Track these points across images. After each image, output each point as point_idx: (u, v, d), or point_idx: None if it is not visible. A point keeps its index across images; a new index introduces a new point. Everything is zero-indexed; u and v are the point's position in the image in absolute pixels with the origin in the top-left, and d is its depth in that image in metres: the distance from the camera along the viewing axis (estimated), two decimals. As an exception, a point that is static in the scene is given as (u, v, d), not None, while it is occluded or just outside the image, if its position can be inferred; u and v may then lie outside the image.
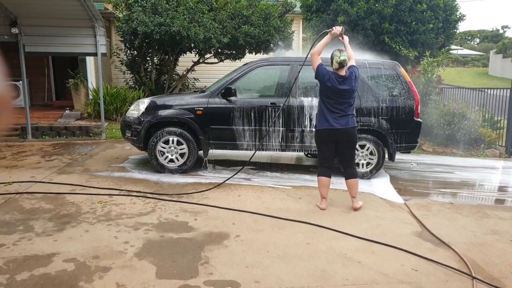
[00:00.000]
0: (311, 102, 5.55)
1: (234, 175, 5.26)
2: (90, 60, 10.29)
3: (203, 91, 5.89)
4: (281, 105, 5.51)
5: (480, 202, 5.01)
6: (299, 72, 5.37)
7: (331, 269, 3.05)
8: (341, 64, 4.07)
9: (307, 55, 4.61)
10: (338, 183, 5.43)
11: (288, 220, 3.95)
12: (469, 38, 45.84)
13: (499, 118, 8.50)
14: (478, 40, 46.23)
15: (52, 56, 11.62)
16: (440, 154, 7.91)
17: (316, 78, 4.20)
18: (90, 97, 10.05)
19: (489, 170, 6.88)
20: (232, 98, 5.53)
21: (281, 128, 5.54)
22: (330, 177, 4.31)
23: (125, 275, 2.83)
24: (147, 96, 10.10)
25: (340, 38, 4.33)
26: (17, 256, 3.04)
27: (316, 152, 5.68)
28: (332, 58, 4.13)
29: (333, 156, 4.30)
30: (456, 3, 11.26)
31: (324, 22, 11.32)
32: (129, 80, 11.19)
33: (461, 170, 6.67)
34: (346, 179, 4.32)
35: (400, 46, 10.75)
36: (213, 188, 4.90)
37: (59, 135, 8.57)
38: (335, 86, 4.05)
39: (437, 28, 10.79)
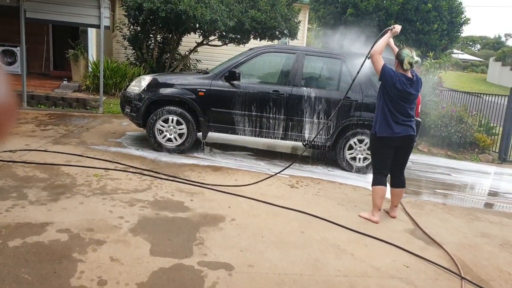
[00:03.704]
0: (314, 93, 5.51)
1: (288, 166, 4.92)
2: (92, 32, 10.10)
3: (207, 73, 5.82)
4: (284, 93, 5.48)
5: (472, 205, 5.07)
6: (361, 65, 4.60)
7: (324, 259, 3.07)
8: (412, 66, 3.70)
9: (367, 55, 4.17)
10: (331, 174, 5.47)
11: (284, 207, 3.95)
12: (471, 43, 45.90)
13: (494, 124, 8.57)
14: (479, 46, 46.33)
15: (53, 25, 11.37)
16: (435, 155, 7.97)
17: (381, 79, 3.78)
18: (90, 69, 9.89)
19: (484, 175, 6.96)
20: (236, 82, 5.48)
21: (282, 117, 5.51)
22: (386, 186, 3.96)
23: (119, 249, 2.81)
24: (147, 74, 9.99)
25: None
26: (10, 222, 3.01)
27: (314, 143, 5.71)
28: (401, 57, 3.71)
29: (391, 163, 3.93)
30: (462, 6, 11.25)
31: (332, 14, 11.25)
32: (130, 56, 11.03)
33: (457, 173, 6.72)
34: (395, 186, 4.01)
35: (404, 45, 10.73)
36: (266, 179, 4.68)
37: (55, 106, 8.44)
38: (405, 89, 3.69)
39: (442, 29, 10.79)
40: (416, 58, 3.69)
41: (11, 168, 4.23)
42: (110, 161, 4.84)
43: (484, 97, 9.24)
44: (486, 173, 7.08)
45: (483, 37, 46.22)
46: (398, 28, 3.92)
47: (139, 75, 9.86)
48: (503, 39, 44.13)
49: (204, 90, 5.48)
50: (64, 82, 9.92)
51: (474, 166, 7.53)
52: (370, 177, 5.48)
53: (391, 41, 4.02)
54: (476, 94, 9.81)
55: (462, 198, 5.39)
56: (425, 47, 10.50)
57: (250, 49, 5.90)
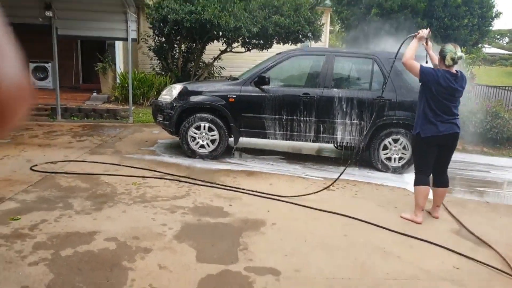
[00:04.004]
0: (345, 94, 5.45)
1: (340, 175, 4.53)
2: (118, 45, 10.36)
3: (236, 79, 5.85)
4: (315, 95, 5.44)
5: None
6: (391, 67, 4.69)
7: (371, 262, 3.01)
8: (455, 62, 3.57)
9: (392, 64, 4.28)
10: (366, 175, 5.37)
11: (324, 211, 3.90)
12: (498, 37, 44.45)
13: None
14: (507, 39, 44.87)
15: (81, 40, 11.72)
16: (470, 152, 7.69)
17: (422, 80, 3.68)
18: (118, 81, 10.13)
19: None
20: (265, 87, 5.48)
21: (314, 119, 5.46)
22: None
23: (166, 256, 2.83)
24: (173, 83, 10.14)
25: (424, 43, 3.87)
26: (60, 232, 3.08)
27: (348, 144, 5.62)
28: (444, 52, 3.61)
29: (433, 162, 3.84)
30: (493, 0, 10.93)
31: (355, 15, 11.13)
32: (156, 66, 11.24)
33: (496, 169, 6.48)
34: (438, 186, 3.92)
35: (432, 42, 10.50)
36: (325, 189, 4.38)
37: (87, 117, 8.67)
38: (450, 85, 3.57)
39: (472, 24, 10.49)
40: (460, 54, 3.59)
41: (55, 179, 4.35)
42: (147, 169, 4.91)
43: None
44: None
45: (512, 30, 44.70)
46: (423, 32, 3.82)
47: (166, 84, 10.04)
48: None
49: (234, 96, 5.50)
50: (94, 94, 10.20)
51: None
52: (407, 177, 5.39)
53: (430, 44, 3.91)
54: (508, 88, 9.52)
55: (505, 196, 5.18)
56: (455, 42, 10.23)
57: (278, 54, 5.89)
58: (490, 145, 7.85)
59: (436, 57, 3.81)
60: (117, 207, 3.68)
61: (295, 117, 5.46)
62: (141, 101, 9.87)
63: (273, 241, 3.19)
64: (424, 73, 3.64)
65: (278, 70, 5.69)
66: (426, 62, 3.92)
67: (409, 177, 5.39)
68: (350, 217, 3.80)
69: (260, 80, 5.42)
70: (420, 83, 3.77)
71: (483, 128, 7.83)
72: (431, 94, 3.64)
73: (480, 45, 11.25)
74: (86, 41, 11.37)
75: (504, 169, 6.56)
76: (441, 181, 3.94)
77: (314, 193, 4.28)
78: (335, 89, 5.52)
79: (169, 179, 4.58)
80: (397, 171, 5.53)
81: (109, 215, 3.48)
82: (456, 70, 3.68)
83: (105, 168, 4.86)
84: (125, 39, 8.26)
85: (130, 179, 4.50)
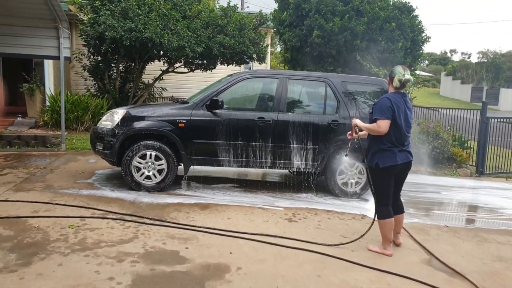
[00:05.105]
0: (300, 118, 5.28)
1: (372, 223, 3.84)
2: (48, 64, 9.44)
3: (185, 102, 5.44)
4: (270, 120, 5.20)
5: (474, 225, 4.93)
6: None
7: (351, 307, 2.73)
8: (403, 84, 3.54)
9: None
10: (325, 202, 5.19)
11: (293, 248, 3.58)
12: (420, 59, 48.68)
13: (467, 138, 8.73)
14: (427, 62, 49.10)
15: (2, 58, 10.55)
16: (415, 172, 7.89)
17: (392, 119, 3.49)
18: (48, 103, 9.18)
19: (472, 190, 6.93)
20: (218, 111, 5.14)
21: (270, 144, 5.20)
22: None
23: (117, 323, 2.32)
24: (110, 105, 9.41)
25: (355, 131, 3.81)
26: (-26, 301, 2.43)
27: (303, 170, 5.42)
28: (393, 74, 3.58)
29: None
30: (422, 25, 11.65)
31: (297, 37, 11.25)
32: (91, 87, 10.40)
33: (445, 190, 6.64)
34: (396, 214, 3.77)
35: (370, 64, 10.89)
36: (358, 239, 3.85)
37: (10, 145, 7.68)
38: (402, 106, 3.52)
39: (406, 47, 11.05)
40: (408, 76, 3.54)
41: (-32, 227, 3.59)
42: (85, 207, 4.28)
43: (441, 111, 9.47)
44: (473, 188, 7.06)
45: (430, 53, 49.02)
46: (355, 119, 3.83)
47: (102, 107, 9.28)
48: (449, 54, 47.23)
49: (185, 121, 5.09)
50: (18, 118, 9.16)
51: (458, 181, 7.50)
52: (364, 202, 5.28)
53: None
54: (434, 109, 10.03)
55: (461, 217, 5.26)
56: (391, 65, 10.68)
57: (229, 75, 5.60)
58: (433, 165, 8.13)
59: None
60: (51, 259, 3.06)
61: (250, 143, 5.17)
62: (75, 125, 9.01)
63: (241, 290, 2.80)
64: (388, 114, 3.49)
65: (231, 93, 5.38)
66: (346, 156, 4.07)
67: (367, 202, 5.30)
68: (320, 253, 3.53)
69: (212, 103, 5.07)
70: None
71: (426, 149, 8.10)
72: (394, 125, 3.52)
73: (413, 68, 11.87)
74: (8, 59, 10.23)
75: (452, 189, 6.75)
76: (398, 208, 3.87)
77: (349, 242, 3.83)
78: (290, 113, 5.33)
79: (112, 219, 4.00)
80: (354, 196, 5.42)
81: (41, 271, 2.87)
82: (405, 93, 3.66)
83: (34, 209, 4.15)
84: (56, 58, 7.50)
85: (66, 221, 3.86)
